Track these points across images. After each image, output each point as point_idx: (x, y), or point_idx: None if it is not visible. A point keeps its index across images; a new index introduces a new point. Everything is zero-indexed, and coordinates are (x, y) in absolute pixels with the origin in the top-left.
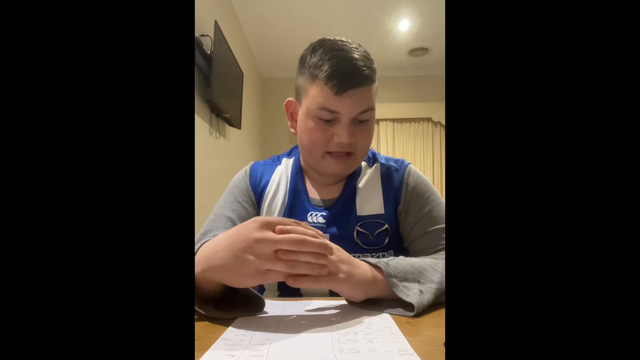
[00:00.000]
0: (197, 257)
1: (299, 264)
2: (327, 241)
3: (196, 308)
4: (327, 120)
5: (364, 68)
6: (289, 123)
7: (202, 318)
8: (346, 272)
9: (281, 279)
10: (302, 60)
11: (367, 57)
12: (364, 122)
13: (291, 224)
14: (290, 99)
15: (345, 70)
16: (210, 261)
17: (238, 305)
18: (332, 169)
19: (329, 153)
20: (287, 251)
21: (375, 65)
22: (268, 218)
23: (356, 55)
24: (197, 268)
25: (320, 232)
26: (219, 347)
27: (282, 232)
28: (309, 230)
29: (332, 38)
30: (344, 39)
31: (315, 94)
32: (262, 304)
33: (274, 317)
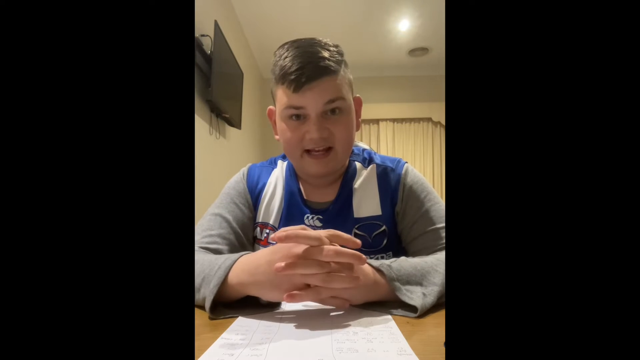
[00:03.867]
0: (237, 269)
1: (333, 278)
2: (359, 253)
3: (208, 312)
4: (296, 116)
5: (320, 60)
6: (274, 131)
7: (203, 318)
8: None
9: (314, 300)
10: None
11: (329, 50)
12: (335, 114)
13: (325, 236)
14: (271, 107)
15: (298, 65)
16: (252, 276)
17: (252, 304)
18: (313, 169)
19: (308, 152)
20: (326, 263)
21: (340, 57)
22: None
23: (312, 49)
24: (235, 279)
25: (358, 241)
26: (219, 346)
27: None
28: (345, 235)
29: (297, 39)
30: (311, 37)
31: (279, 96)
32: (277, 302)
33: (274, 317)
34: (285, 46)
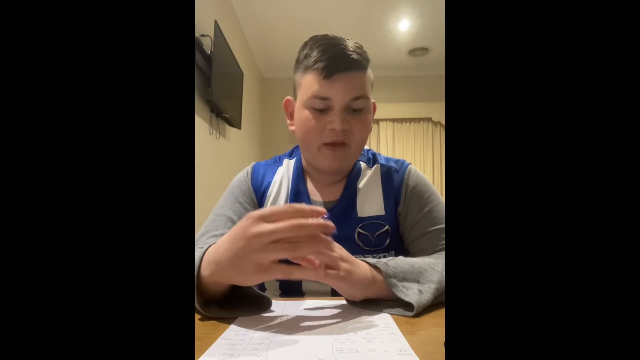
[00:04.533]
0: (204, 262)
1: (300, 245)
2: (328, 221)
3: (199, 309)
4: (320, 109)
5: (352, 53)
6: (288, 122)
7: (202, 318)
8: (346, 270)
9: (285, 275)
10: (297, 58)
11: (357, 47)
12: (358, 111)
13: (284, 211)
14: (289, 97)
15: (332, 54)
16: (217, 264)
17: (242, 304)
18: (327, 162)
19: (325, 145)
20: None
21: (367, 56)
22: (261, 211)
23: (345, 43)
24: (206, 272)
25: (322, 209)
26: (219, 346)
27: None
28: (306, 208)
29: (324, 34)
30: (337, 34)
31: (307, 83)
32: (268, 304)
33: (274, 317)
34: (316, 38)
